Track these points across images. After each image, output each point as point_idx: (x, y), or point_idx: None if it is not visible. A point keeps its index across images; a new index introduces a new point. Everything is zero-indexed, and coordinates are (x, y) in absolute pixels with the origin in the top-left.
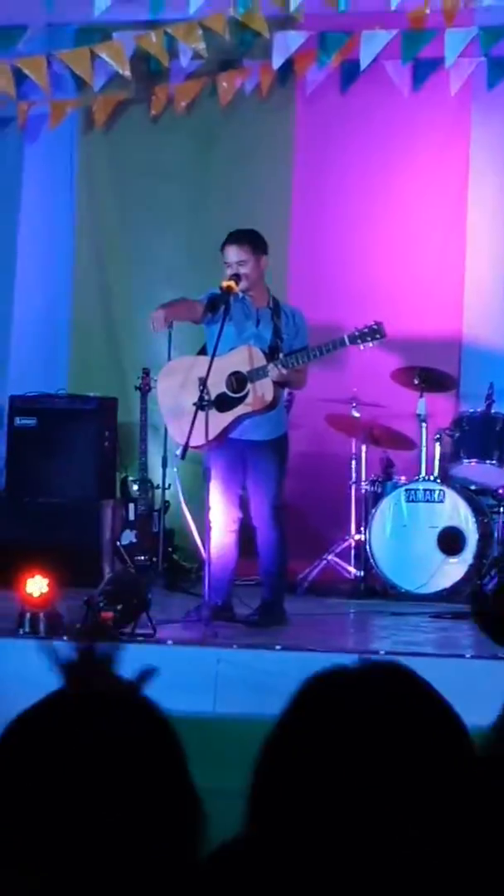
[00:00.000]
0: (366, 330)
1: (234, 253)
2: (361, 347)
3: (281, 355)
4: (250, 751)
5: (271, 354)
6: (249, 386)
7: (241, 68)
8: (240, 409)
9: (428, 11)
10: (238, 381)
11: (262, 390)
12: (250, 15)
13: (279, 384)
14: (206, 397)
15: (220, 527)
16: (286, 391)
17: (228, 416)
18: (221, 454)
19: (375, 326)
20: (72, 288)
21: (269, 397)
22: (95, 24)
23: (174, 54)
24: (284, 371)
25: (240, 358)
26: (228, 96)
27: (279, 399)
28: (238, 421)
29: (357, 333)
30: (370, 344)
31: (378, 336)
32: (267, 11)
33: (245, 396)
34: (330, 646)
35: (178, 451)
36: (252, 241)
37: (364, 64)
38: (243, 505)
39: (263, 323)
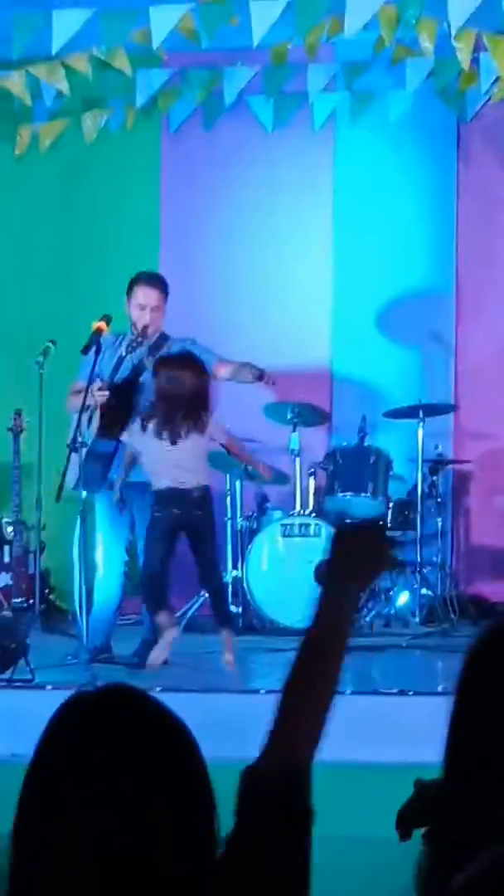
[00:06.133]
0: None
1: (151, 297)
2: None
3: None
4: None
5: None
6: None
7: (104, 107)
8: None
9: (290, 47)
10: None
11: None
12: (113, 53)
13: None
14: (79, 438)
15: (105, 568)
16: None
17: None
18: (108, 496)
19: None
20: None
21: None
22: None
23: (37, 93)
24: None
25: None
26: (93, 134)
27: None
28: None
29: None
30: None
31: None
32: (130, 49)
33: None
34: (210, 685)
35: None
36: (165, 285)
37: (228, 100)
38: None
39: (129, 361)
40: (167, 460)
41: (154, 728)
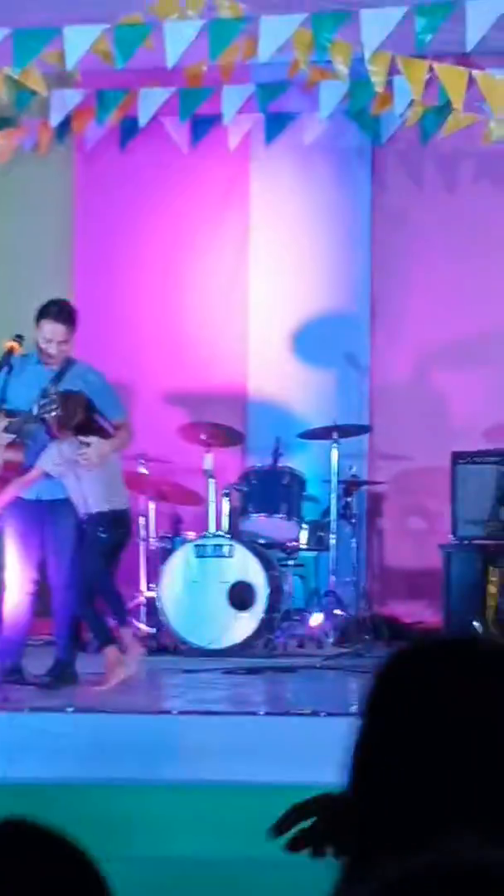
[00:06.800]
0: (45, 402)
1: (58, 332)
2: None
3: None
4: (44, 817)
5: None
6: None
7: (18, 126)
8: None
9: (205, 68)
10: None
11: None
12: (27, 73)
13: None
14: None
15: (16, 587)
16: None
17: None
18: (18, 514)
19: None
20: None
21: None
22: None
23: None
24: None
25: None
26: (6, 154)
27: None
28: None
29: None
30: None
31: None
32: (44, 69)
33: None
34: (122, 706)
35: None
36: (73, 317)
37: (142, 121)
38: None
39: (37, 386)
40: (107, 482)
41: (60, 872)
